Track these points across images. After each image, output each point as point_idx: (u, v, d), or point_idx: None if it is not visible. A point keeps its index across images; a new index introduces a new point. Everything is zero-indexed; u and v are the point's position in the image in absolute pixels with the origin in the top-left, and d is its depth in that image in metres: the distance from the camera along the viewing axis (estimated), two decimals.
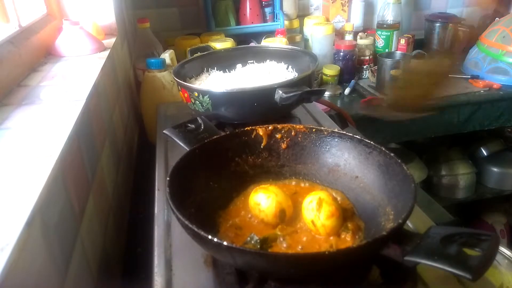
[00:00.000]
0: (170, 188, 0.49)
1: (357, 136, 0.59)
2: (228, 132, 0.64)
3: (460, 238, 0.39)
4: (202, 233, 0.41)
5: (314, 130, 0.62)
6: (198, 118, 0.69)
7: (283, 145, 0.64)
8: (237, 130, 0.64)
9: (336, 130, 0.61)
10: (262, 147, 0.65)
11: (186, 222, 0.43)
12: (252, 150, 0.64)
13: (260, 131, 0.64)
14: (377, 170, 0.55)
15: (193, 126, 0.68)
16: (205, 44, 1.29)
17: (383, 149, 0.55)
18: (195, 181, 0.56)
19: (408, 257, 0.39)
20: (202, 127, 0.67)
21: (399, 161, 0.51)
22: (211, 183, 0.58)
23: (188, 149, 0.59)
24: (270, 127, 0.64)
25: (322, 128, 0.62)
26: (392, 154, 0.53)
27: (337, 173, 0.60)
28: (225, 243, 0.40)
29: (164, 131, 0.67)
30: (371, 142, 0.57)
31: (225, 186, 0.57)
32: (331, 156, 0.61)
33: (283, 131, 0.64)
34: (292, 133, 0.64)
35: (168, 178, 0.51)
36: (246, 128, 0.64)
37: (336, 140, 0.61)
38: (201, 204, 0.55)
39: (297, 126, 0.64)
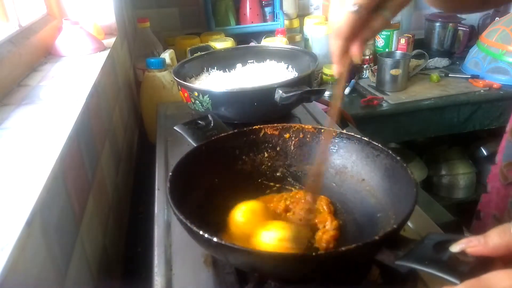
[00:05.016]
0: (171, 183, 0.49)
1: (365, 138, 0.58)
2: (236, 131, 0.64)
3: None
4: (194, 228, 0.42)
5: (323, 130, 0.62)
6: (208, 116, 0.69)
7: (291, 145, 0.64)
8: (245, 129, 0.64)
9: (344, 131, 0.61)
10: (269, 146, 0.65)
11: (181, 217, 0.43)
12: (260, 149, 0.64)
13: (268, 130, 0.64)
14: (383, 173, 0.55)
15: (203, 123, 0.68)
16: (205, 43, 1.30)
17: (390, 152, 0.54)
18: (199, 177, 0.56)
19: (399, 261, 0.39)
20: (212, 125, 0.68)
21: (405, 165, 0.51)
22: (216, 180, 0.58)
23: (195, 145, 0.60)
24: (279, 126, 0.64)
25: (330, 129, 0.62)
26: (398, 158, 0.53)
27: (344, 175, 0.60)
28: (215, 239, 0.40)
29: (174, 127, 0.67)
30: (379, 145, 0.56)
31: (231, 184, 0.57)
32: (339, 158, 0.61)
33: (291, 131, 0.64)
34: (301, 133, 0.64)
35: (170, 173, 0.51)
36: (254, 127, 0.64)
37: (344, 141, 0.60)
38: (204, 201, 0.55)
39: (306, 126, 0.64)
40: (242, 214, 0.53)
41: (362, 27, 0.44)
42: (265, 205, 0.56)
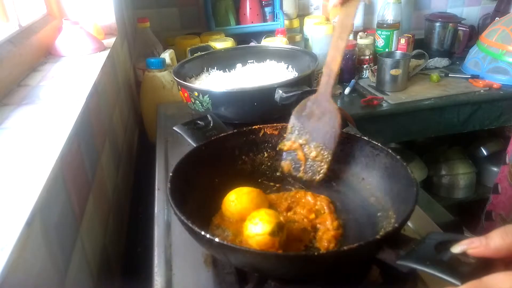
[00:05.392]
0: (171, 184, 0.49)
1: (364, 137, 0.59)
2: (235, 130, 0.64)
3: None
4: (196, 228, 0.42)
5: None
6: (208, 116, 0.69)
7: None
8: (244, 129, 0.64)
9: (343, 131, 0.61)
10: (269, 146, 0.65)
11: (182, 218, 0.43)
12: (259, 149, 0.64)
13: (268, 130, 0.64)
14: (383, 172, 0.55)
15: (202, 123, 0.68)
16: (205, 43, 1.30)
17: (390, 151, 0.54)
18: (199, 177, 0.56)
19: (400, 261, 0.39)
20: (211, 125, 0.68)
21: (405, 164, 0.51)
22: (216, 180, 0.59)
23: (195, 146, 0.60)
24: (278, 126, 0.64)
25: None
26: (398, 157, 0.53)
27: (343, 174, 0.60)
28: (216, 239, 0.40)
29: (174, 128, 0.67)
30: (378, 144, 0.56)
31: (231, 184, 0.57)
32: (337, 157, 0.61)
33: None
34: None
35: (171, 174, 0.51)
36: (253, 127, 0.64)
37: (343, 140, 0.61)
38: (205, 201, 0.55)
39: None
40: (234, 197, 0.54)
41: None
42: (257, 191, 0.56)
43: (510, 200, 0.76)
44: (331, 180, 0.61)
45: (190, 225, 0.42)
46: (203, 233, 0.41)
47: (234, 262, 0.45)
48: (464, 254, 0.36)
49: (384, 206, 0.52)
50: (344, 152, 0.60)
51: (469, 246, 0.36)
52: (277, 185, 0.63)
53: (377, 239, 0.40)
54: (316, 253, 0.41)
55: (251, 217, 0.48)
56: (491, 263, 0.35)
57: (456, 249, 0.37)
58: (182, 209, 0.45)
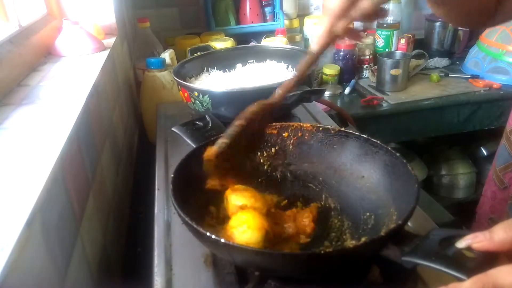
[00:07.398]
0: (173, 185, 0.49)
1: (363, 135, 0.59)
2: None
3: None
4: (200, 229, 0.42)
5: (321, 128, 0.62)
6: (206, 116, 0.69)
7: (290, 144, 0.64)
8: None
9: (343, 129, 0.61)
10: (268, 145, 0.65)
11: (186, 219, 0.43)
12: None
13: (267, 129, 0.64)
14: (383, 170, 0.55)
15: (201, 124, 0.68)
16: (205, 43, 1.30)
17: (389, 148, 0.55)
18: (200, 178, 0.56)
19: (406, 258, 0.39)
20: (210, 125, 0.68)
21: (405, 161, 0.51)
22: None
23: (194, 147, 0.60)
24: (277, 125, 0.64)
25: (329, 127, 0.62)
26: (398, 154, 0.53)
27: (343, 172, 0.60)
28: (222, 240, 0.40)
29: (172, 129, 0.67)
30: (378, 142, 0.57)
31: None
32: (337, 155, 0.61)
33: (290, 130, 0.64)
34: (299, 132, 0.64)
35: (172, 175, 0.51)
36: None
37: (343, 139, 0.61)
38: (205, 201, 0.55)
39: (304, 125, 0.64)
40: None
41: (350, 8, 0.48)
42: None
43: (501, 203, 0.76)
44: (331, 179, 0.61)
45: (195, 226, 0.42)
46: (208, 234, 0.41)
47: (239, 261, 0.45)
48: (468, 248, 0.36)
49: (385, 203, 0.52)
50: (343, 150, 0.61)
51: (473, 240, 0.36)
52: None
53: (382, 236, 0.40)
54: (322, 251, 0.41)
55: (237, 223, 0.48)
56: (495, 257, 0.35)
57: (461, 244, 0.37)
58: (185, 210, 0.45)
